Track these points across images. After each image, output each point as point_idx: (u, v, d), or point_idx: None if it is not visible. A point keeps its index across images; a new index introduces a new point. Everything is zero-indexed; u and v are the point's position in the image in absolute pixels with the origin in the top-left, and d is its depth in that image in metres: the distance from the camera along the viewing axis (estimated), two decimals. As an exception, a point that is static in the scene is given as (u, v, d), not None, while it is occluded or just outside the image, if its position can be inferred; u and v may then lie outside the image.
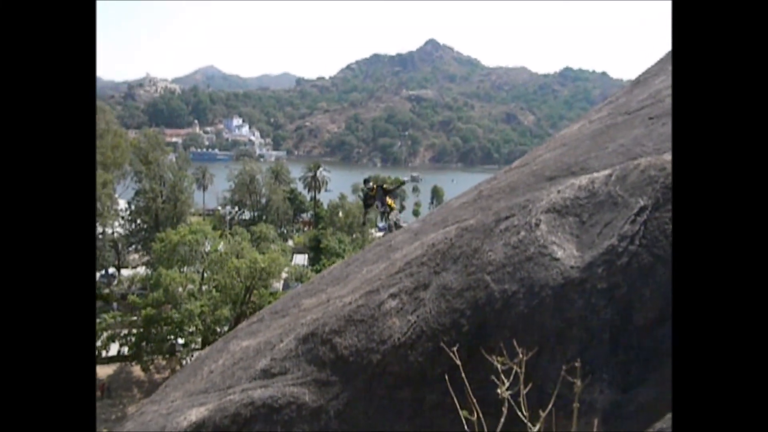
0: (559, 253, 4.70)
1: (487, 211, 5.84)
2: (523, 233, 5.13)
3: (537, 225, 5.13)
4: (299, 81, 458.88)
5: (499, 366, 3.15)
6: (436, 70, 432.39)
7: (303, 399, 5.18)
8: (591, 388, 4.13)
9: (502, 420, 3.08)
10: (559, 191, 5.28)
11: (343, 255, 56.31)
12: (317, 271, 39.16)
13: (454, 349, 3.49)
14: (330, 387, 5.26)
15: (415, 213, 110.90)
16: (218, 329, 44.35)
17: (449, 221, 6.22)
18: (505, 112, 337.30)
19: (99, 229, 66.38)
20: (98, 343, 47.21)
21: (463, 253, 5.33)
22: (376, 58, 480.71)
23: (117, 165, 77.70)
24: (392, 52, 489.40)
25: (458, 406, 3.20)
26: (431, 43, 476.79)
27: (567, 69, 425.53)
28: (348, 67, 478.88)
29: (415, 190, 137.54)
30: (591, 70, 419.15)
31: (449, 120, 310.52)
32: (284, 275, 54.54)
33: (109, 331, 47.34)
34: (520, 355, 3.14)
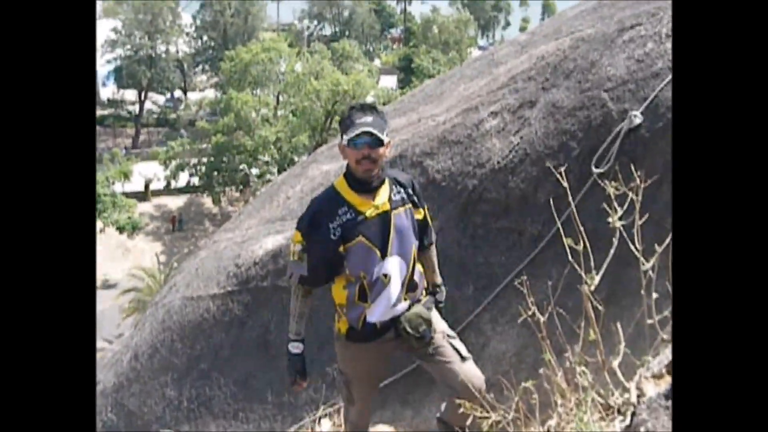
0: (693, 68, 4.55)
1: (609, 20, 5.63)
2: (650, 45, 4.96)
3: (668, 36, 4.95)
4: None
5: (612, 191, 3.13)
6: None
7: (389, 226, 5.34)
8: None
9: (612, 251, 3.11)
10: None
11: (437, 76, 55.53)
12: (407, 96, 38.54)
13: (561, 170, 3.50)
14: (420, 214, 5.40)
15: (522, 30, 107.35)
16: (296, 158, 45.29)
17: (563, 32, 6.03)
18: None
19: (162, 48, 67.10)
20: (167, 173, 49.32)
21: (578, 67, 5.21)
22: None
23: (180, -28, 77.41)
24: None
25: (563, 235, 3.23)
26: None
27: None
28: None
29: (523, 3, 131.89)
30: None
31: None
32: (370, 99, 54.61)
33: (178, 160, 49.19)
34: (637, 181, 3.08)
